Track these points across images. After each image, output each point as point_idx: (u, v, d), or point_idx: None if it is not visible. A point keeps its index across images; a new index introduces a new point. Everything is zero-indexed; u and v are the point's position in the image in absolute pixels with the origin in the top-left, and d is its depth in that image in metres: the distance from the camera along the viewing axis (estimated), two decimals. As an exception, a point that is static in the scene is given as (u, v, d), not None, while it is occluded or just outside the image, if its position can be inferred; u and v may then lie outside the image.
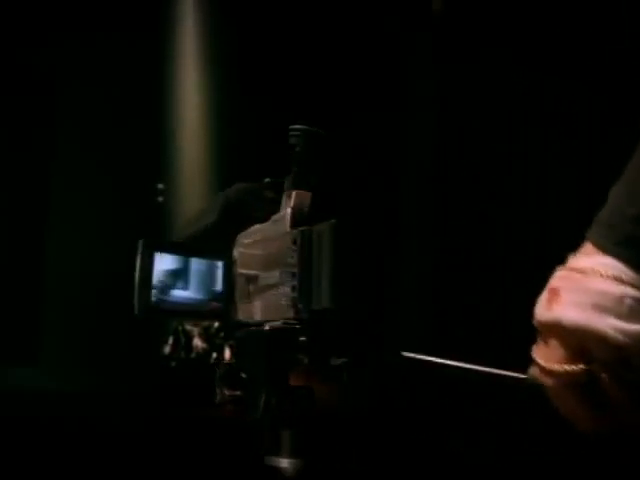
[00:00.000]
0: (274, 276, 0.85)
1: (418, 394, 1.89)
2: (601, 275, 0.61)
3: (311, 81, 2.18)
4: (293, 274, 0.82)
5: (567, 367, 0.63)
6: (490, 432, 0.99)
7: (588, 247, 0.63)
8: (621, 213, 0.63)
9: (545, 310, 0.63)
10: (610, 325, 0.60)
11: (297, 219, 0.84)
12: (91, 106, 2.23)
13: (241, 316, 0.89)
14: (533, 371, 0.65)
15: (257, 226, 0.89)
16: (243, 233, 0.91)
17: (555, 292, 0.62)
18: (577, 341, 0.62)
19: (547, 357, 0.64)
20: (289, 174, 0.86)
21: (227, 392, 0.84)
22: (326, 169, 0.87)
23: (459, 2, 2.14)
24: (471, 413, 1.04)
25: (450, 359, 0.96)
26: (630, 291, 0.61)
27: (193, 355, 0.88)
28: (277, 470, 0.83)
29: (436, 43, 2.19)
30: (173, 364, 0.90)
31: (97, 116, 2.23)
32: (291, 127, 0.87)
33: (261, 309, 0.87)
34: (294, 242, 0.82)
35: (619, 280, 0.61)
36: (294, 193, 0.85)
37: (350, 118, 2.10)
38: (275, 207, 0.88)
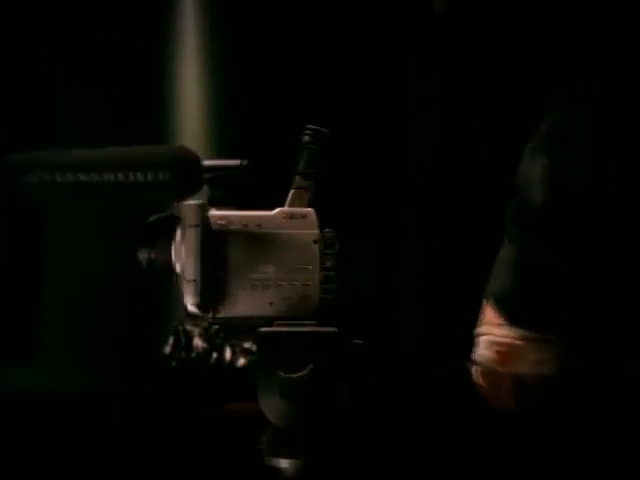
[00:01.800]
0: (265, 271, 0.85)
1: (418, 394, 1.89)
2: (533, 342, 0.87)
3: (311, 81, 2.18)
4: (327, 276, 0.82)
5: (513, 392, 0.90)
6: (490, 432, 0.99)
7: (501, 318, 0.89)
8: (526, 309, 0.88)
9: (499, 365, 0.89)
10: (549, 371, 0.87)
11: (320, 221, 0.85)
12: (91, 106, 2.23)
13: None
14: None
15: (238, 212, 0.87)
16: (210, 214, 0.89)
17: (506, 354, 0.88)
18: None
19: (494, 383, 0.91)
20: (298, 172, 0.86)
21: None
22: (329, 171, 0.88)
23: (459, 2, 2.14)
24: (471, 413, 1.04)
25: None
26: (553, 348, 0.86)
27: (193, 355, 0.88)
28: (277, 470, 0.83)
29: (436, 43, 2.18)
30: (173, 364, 0.89)
31: (97, 116, 2.23)
32: (314, 128, 0.87)
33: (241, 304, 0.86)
34: (329, 245, 0.82)
35: (546, 344, 0.86)
36: (310, 193, 0.85)
37: (350, 118, 2.10)
38: (248, 193, 0.86)
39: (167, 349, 0.90)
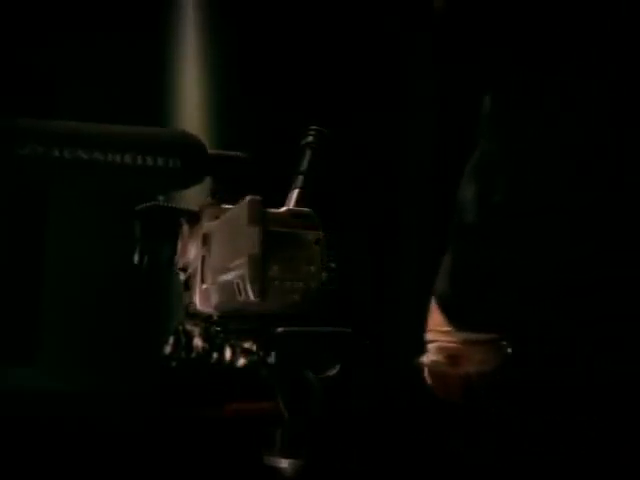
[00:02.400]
0: (270, 269, 0.85)
1: (418, 394, 1.89)
2: (478, 345, 0.96)
3: (311, 81, 2.18)
4: (329, 277, 0.82)
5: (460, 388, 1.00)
6: (490, 432, 0.99)
7: (447, 323, 0.99)
8: (465, 309, 0.97)
9: (449, 367, 0.99)
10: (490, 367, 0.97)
11: (321, 221, 0.84)
12: (91, 106, 2.23)
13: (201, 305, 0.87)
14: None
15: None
16: (214, 208, 0.87)
17: (455, 357, 0.98)
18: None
19: (444, 382, 1.01)
20: (299, 172, 0.86)
21: None
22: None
23: (459, 2, 2.13)
24: (471, 413, 1.04)
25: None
26: (494, 346, 0.96)
27: (194, 355, 0.88)
28: (277, 470, 0.83)
29: (436, 43, 2.18)
30: (173, 364, 0.89)
31: (97, 116, 2.22)
32: (316, 128, 0.87)
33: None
34: (331, 246, 0.82)
35: (489, 344, 0.95)
36: (311, 193, 0.85)
37: (350, 118, 2.10)
38: (247, 191, 0.85)
39: (167, 349, 0.90)
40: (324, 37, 2.20)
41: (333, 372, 0.82)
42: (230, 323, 0.86)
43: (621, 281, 0.87)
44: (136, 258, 0.87)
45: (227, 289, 0.81)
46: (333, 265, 0.82)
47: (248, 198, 0.77)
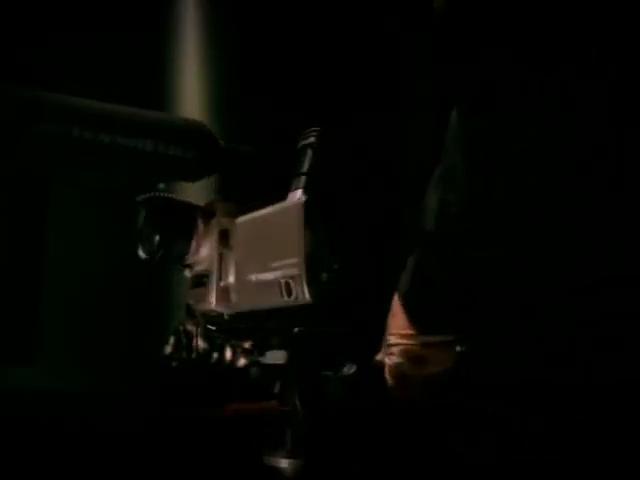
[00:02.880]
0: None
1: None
2: (440, 347, 1.01)
3: (311, 81, 2.18)
4: (329, 277, 0.82)
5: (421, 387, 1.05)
6: (490, 432, 0.99)
7: (409, 326, 1.03)
8: (424, 311, 1.02)
9: (412, 369, 1.02)
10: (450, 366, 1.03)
11: (321, 221, 0.84)
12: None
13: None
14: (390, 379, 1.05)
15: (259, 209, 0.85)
16: (227, 205, 0.87)
17: (422, 359, 1.02)
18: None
19: (405, 383, 1.05)
20: (300, 173, 0.86)
21: None
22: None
23: (459, 2, 2.13)
24: (471, 413, 1.05)
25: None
26: (452, 347, 1.03)
27: (194, 355, 0.88)
28: (277, 470, 0.83)
29: (436, 43, 2.18)
30: (174, 364, 0.89)
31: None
32: (318, 129, 0.87)
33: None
34: (332, 246, 0.82)
35: (449, 345, 1.01)
36: (311, 194, 0.85)
37: (350, 118, 2.09)
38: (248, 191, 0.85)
39: (168, 349, 0.90)
40: (324, 37, 2.20)
41: (350, 372, 0.82)
42: (241, 322, 0.86)
43: (621, 281, 0.87)
44: (140, 252, 0.86)
45: (261, 288, 0.79)
46: (335, 266, 0.82)
47: (304, 199, 0.76)
